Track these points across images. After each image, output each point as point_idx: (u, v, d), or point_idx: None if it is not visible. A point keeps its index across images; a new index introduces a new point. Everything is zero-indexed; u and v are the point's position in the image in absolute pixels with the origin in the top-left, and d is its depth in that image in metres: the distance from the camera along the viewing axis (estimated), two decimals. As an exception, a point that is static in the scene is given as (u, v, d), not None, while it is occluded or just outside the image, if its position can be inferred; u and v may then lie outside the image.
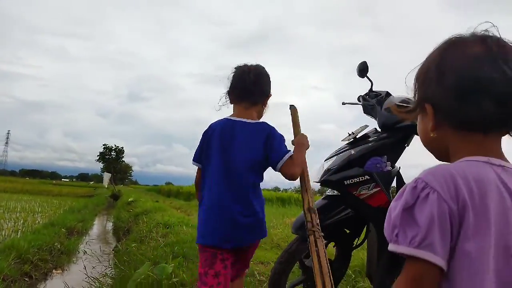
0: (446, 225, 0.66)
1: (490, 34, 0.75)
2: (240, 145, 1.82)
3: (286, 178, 1.82)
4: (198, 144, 1.96)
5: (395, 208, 0.71)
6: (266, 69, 2.02)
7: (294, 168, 1.79)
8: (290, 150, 1.84)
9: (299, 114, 2.12)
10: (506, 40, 0.74)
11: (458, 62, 0.73)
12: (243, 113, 1.91)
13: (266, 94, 1.99)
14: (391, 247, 0.70)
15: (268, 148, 1.80)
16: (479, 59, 0.71)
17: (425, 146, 0.85)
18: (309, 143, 1.95)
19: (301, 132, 2.01)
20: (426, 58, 0.81)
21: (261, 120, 1.99)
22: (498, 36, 0.74)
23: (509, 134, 0.76)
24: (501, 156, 0.75)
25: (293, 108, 2.10)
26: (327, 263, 1.51)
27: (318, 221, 1.70)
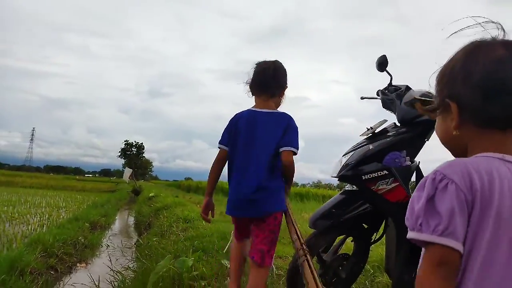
0: (465, 214, 0.70)
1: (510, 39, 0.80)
2: (262, 132, 2.11)
3: (282, 161, 2.08)
4: (225, 129, 2.24)
5: (418, 199, 0.75)
6: (286, 63, 2.27)
7: (291, 158, 2.09)
8: (298, 147, 2.11)
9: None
10: None
11: (483, 64, 0.77)
12: (263, 104, 2.20)
13: (283, 86, 2.25)
14: (413, 234, 0.73)
15: (284, 134, 2.10)
16: (502, 61, 0.76)
17: (444, 143, 0.88)
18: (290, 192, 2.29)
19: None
20: (450, 60, 0.84)
21: (279, 109, 2.24)
22: None
23: None
24: None
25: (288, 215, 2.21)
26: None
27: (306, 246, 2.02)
